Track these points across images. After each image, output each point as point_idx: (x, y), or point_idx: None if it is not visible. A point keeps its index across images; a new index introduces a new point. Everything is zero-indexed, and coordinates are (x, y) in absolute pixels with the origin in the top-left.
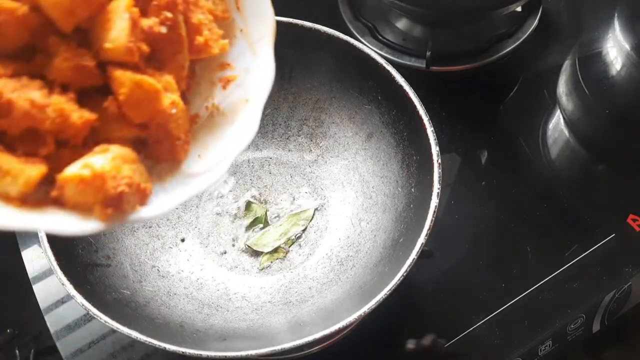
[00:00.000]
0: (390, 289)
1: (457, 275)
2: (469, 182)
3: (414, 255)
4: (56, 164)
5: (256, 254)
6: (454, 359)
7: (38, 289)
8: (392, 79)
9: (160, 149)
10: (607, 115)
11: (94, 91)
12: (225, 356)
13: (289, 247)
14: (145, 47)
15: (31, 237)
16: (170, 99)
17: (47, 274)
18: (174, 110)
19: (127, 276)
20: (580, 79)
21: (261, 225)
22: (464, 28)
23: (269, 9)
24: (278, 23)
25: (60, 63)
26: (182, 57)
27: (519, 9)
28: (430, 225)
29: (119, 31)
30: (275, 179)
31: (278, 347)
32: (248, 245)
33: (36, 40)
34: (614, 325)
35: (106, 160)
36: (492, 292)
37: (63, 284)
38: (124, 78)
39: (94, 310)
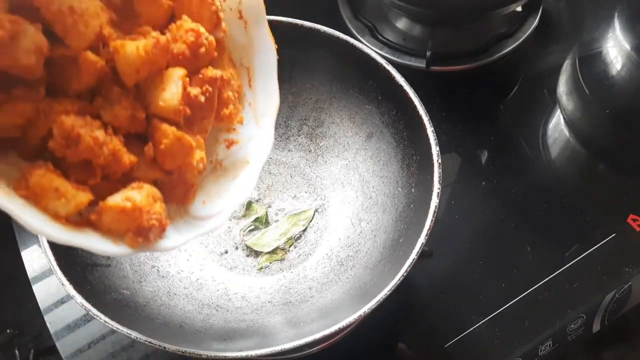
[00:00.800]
0: (390, 289)
1: (457, 275)
2: (469, 182)
3: (414, 255)
4: (95, 193)
5: (256, 254)
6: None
7: (38, 289)
8: (392, 78)
9: (174, 192)
10: (607, 115)
11: (132, 135)
12: (225, 356)
13: (289, 247)
14: (188, 110)
15: (31, 237)
16: (200, 156)
17: (47, 274)
18: (200, 165)
19: (127, 276)
20: (581, 78)
21: (261, 225)
22: (464, 28)
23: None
24: (278, 22)
25: (119, 110)
26: (208, 122)
27: (519, 9)
28: (430, 225)
29: (172, 94)
30: (275, 179)
31: (278, 347)
32: (248, 245)
33: (100, 87)
34: (614, 325)
35: (142, 196)
36: (492, 292)
37: (63, 284)
38: (168, 131)
39: (93, 311)
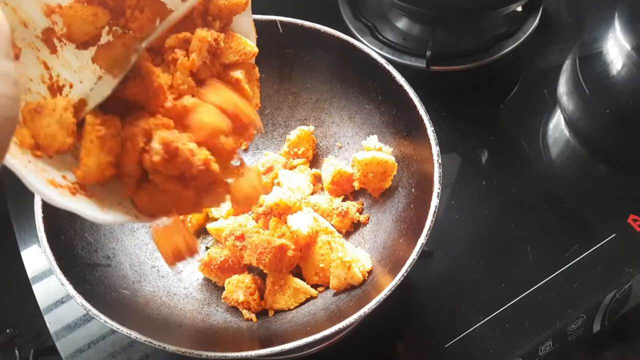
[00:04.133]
0: (390, 289)
1: (457, 275)
2: (469, 182)
3: (414, 255)
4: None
5: None
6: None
7: (38, 289)
8: (392, 78)
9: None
10: (607, 115)
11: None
12: (225, 356)
13: None
14: None
15: (31, 237)
16: None
17: (47, 274)
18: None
19: (126, 276)
20: (581, 78)
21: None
22: (464, 28)
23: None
24: (279, 22)
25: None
26: None
27: (519, 8)
28: (430, 225)
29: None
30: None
31: (278, 348)
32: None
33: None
34: (615, 325)
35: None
36: (492, 292)
37: (63, 284)
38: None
39: (93, 311)
